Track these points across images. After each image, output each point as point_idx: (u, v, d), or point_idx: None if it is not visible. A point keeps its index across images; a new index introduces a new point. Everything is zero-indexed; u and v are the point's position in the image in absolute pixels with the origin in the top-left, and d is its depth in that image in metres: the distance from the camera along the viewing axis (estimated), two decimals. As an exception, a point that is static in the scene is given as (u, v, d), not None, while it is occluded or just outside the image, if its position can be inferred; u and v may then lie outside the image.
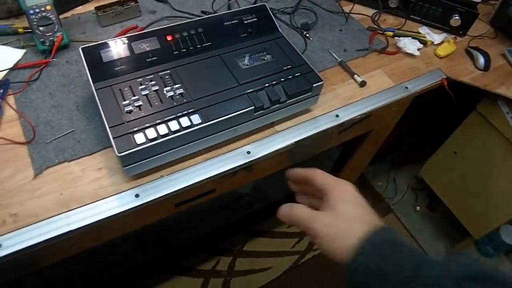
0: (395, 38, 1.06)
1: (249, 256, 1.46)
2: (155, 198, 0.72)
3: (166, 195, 0.73)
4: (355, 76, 0.95)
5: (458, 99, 1.05)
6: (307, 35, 1.02)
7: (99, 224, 0.69)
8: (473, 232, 1.44)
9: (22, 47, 0.91)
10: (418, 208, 1.75)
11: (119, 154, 0.65)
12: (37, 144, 0.75)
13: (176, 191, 0.73)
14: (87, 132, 0.78)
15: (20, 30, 0.93)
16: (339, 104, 0.91)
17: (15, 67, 0.86)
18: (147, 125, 0.69)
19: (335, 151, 1.69)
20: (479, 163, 1.32)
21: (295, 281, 1.43)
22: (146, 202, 0.71)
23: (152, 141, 0.67)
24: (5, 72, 0.84)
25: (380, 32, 1.08)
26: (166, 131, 0.69)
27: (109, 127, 0.68)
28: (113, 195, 0.71)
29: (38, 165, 0.73)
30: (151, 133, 0.68)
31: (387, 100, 0.93)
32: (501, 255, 1.68)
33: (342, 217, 0.45)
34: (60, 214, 0.68)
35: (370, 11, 1.15)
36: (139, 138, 0.67)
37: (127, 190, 0.72)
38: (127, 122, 0.69)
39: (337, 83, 0.95)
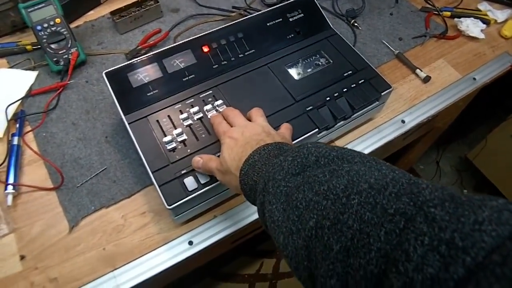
0: (454, 19, 0.92)
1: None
2: (211, 244, 0.62)
3: (222, 238, 0.63)
4: (417, 70, 0.82)
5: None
6: (355, 23, 0.89)
7: (151, 279, 0.60)
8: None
9: (34, 68, 0.79)
10: (465, 191, 1.64)
11: (170, 207, 0.55)
12: (67, 189, 0.65)
13: (232, 232, 0.64)
14: (122, 168, 0.67)
15: (29, 47, 0.80)
16: (403, 107, 0.78)
17: (29, 94, 0.75)
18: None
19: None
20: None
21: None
22: (202, 249, 0.62)
23: (206, 186, 0.57)
24: (18, 103, 0.73)
25: (436, 12, 0.93)
26: (221, 171, 0.58)
27: (152, 172, 0.57)
28: (163, 245, 0.61)
29: (72, 215, 0.63)
30: (202, 176, 0.57)
31: (455, 97, 0.81)
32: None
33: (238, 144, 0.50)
34: (107, 274, 0.59)
35: (420, -13, 1.00)
36: (190, 183, 0.56)
37: (179, 237, 0.62)
38: (172, 163, 0.58)
39: (397, 81, 0.82)
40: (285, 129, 0.57)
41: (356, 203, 0.29)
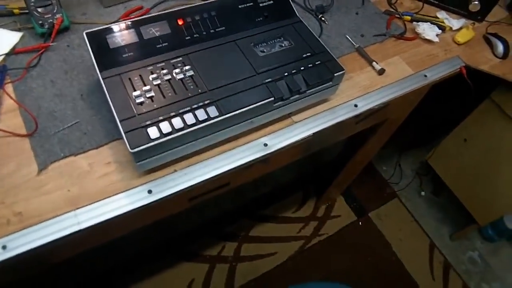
0: (413, 23, 1.01)
1: (255, 241, 1.44)
2: (169, 194, 0.68)
3: (180, 190, 0.69)
4: (374, 63, 0.90)
5: (469, 87, 1.01)
6: (323, 18, 0.97)
7: (110, 221, 0.65)
8: (479, 219, 1.43)
9: (19, 30, 0.84)
10: (423, 193, 1.74)
11: (132, 151, 0.61)
12: (40, 137, 0.70)
13: (190, 186, 0.70)
14: (93, 123, 0.73)
15: (16, 11, 0.86)
16: (357, 93, 0.86)
17: (12, 52, 0.80)
18: (161, 118, 0.64)
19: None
20: (488, 151, 1.30)
21: (300, 266, 1.42)
22: (159, 199, 0.67)
23: (167, 136, 0.63)
24: (1, 58, 0.78)
25: (398, 16, 1.02)
26: (182, 125, 0.64)
27: (120, 121, 0.63)
28: (124, 192, 0.67)
29: (42, 159, 0.68)
30: (165, 127, 0.63)
31: (406, 89, 0.89)
32: (502, 240, 1.69)
33: None
34: (69, 212, 0.64)
35: (386, -8, 1.09)
36: (153, 132, 0.62)
37: (139, 186, 0.68)
38: (138, 115, 0.64)
39: (355, 70, 0.90)
40: None
41: None
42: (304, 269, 1.42)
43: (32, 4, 0.81)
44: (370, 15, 1.02)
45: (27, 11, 0.83)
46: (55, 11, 0.83)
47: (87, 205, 0.65)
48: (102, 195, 0.66)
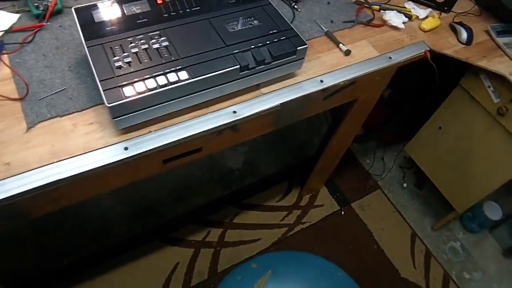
0: (381, 11, 1.09)
1: (239, 228, 1.50)
2: (144, 151, 0.75)
3: (153, 149, 0.76)
4: (340, 45, 0.98)
5: (443, 76, 1.08)
6: (295, 6, 1.05)
7: (88, 174, 0.72)
8: (457, 206, 1.48)
9: (17, 12, 0.93)
10: (405, 185, 1.79)
11: (109, 105, 0.68)
12: (30, 101, 0.78)
13: (163, 145, 0.77)
14: (78, 90, 0.81)
15: (15, -5, 0.95)
16: (323, 71, 0.94)
17: (10, 30, 0.89)
18: (136, 79, 0.72)
19: (324, 128, 1.73)
20: (462, 138, 1.36)
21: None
22: (134, 155, 0.75)
23: (140, 94, 0.70)
24: (0, 34, 0.87)
25: (367, 6, 1.11)
26: (154, 85, 0.72)
27: (100, 81, 0.71)
28: (102, 148, 0.74)
29: (30, 119, 0.75)
30: (139, 86, 0.71)
31: (370, 69, 0.97)
32: (484, 231, 1.73)
33: None
34: (51, 163, 0.71)
35: (358, -14, 1.18)
36: (128, 91, 0.70)
37: (117, 143, 0.75)
38: (117, 76, 0.72)
39: (323, 51, 0.98)
40: None
41: None
42: (287, 254, 1.47)
43: (29, -13, 0.91)
44: (341, 5, 1.10)
45: (24, -7, 0.93)
46: (49, -6, 0.92)
47: (68, 158, 0.72)
48: (82, 150, 0.73)
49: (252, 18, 0.87)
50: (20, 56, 0.85)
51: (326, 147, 1.32)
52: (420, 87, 1.49)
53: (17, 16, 0.92)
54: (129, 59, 0.74)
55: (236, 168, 1.69)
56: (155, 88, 0.71)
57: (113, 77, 0.72)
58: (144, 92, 0.71)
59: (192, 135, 0.79)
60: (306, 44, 0.84)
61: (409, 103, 1.63)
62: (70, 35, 0.91)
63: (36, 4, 0.91)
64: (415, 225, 1.67)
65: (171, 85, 0.72)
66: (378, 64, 0.98)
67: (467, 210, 1.50)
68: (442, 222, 1.63)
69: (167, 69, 0.74)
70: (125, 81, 0.71)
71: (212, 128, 0.80)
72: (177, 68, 0.75)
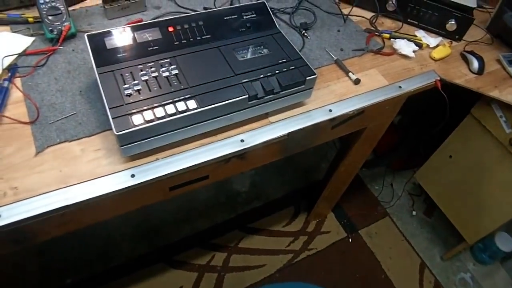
0: (391, 39, 1.10)
1: (244, 253, 1.48)
2: (150, 179, 0.75)
3: (160, 176, 0.76)
4: (350, 74, 0.98)
5: (454, 104, 1.07)
6: (305, 34, 1.06)
7: (95, 201, 0.72)
8: (467, 237, 1.45)
9: (31, 35, 0.95)
10: (414, 213, 1.76)
11: (117, 133, 0.68)
12: (40, 124, 0.79)
13: (170, 173, 0.76)
14: (88, 115, 0.82)
15: (30, 19, 0.97)
16: (333, 99, 0.93)
17: (24, 53, 0.91)
18: (145, 107, 0.72)
19: (332, 153, 1.72)
20: (473, 167, 1.34)
21: (288, 280, 1.44)
22: (141, 182, 0.74)
23: (149, 123, 0.71)
24: (14, 57, 0.88)
25: (377, 34, 1.11)
26: (163, 113, 0.72)
27: (109, 108, 0.71)
28: (110, 174, 0.74)
29: (40, 143, 0.76)
30: (148, 115, 0.71)
31: (379, 98, 0.96)
32: (496, 263, 1.68)
33: None
34: (59, 189, 0.71)
35: (368, 14, 1.18)
36: (137, 119, 0.70)
37: (124, 170, 0.75)
38: (126, 104, 0.72)
39: (332, 80, 0.98)
40: None
41: None
42: (292, 281, 1.44)
43: (45, 12, 0.92)
44: (351, 33, 1.11)
45: (40, 20, 0.94)
46: (64, 19, 0.94)
47: (76, 184, 0.72)
48: (90, 176, 0.73)
49: (262, 47, 0.88)
50: (33, 79, 0.87)
51: (334, 173, 1.31)
52: (430, 113, 1.48)
53: (31, 39, 0.94)
54: (139, 87, 0.75)
55: (243, 191, 1.69)
56: (163, 117, 0.72)
57: (123, 105, 0.72)
58: (152, 121, 0.71)
59: (200, 163, 0.79)
60: (315, 74, 0.84)
61: (419, 129, 1.62)
62: (82, 60, 0.92)
63: (50, 28, 0.93)
64: (424, 254, 1.64)
65: (179, 114, 0.73)
66: (388, 94, 0.98)
67: (478, 240, 1.46)
68: (452, 252, 1.59)
69: (176, 97, 0.75)
70: (134, 109, 0.72)
71: (220, 157, 0.80)
72: (186, 97, 0.75)
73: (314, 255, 1.52)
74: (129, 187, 0.74)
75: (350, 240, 1.61)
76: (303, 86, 0.84)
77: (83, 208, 0.73)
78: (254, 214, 1.62)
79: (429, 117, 1.49)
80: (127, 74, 0.77)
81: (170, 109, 0.73)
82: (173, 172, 0.77)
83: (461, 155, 1.36)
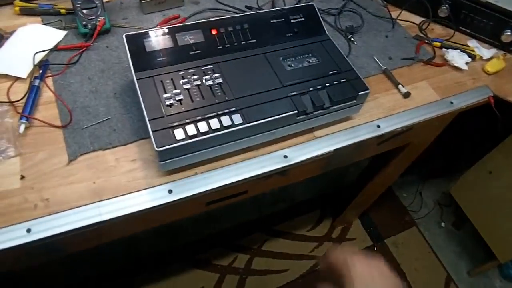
0: (443, 49, 1.02)
1: (267, 256, 1.44)
2: (188, 196, 0.70)
3: (199, 193, 0.71)
4: (400, 86, 0.91)
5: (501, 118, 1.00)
6: (352, 38, 0.99)
7: (129, 216, 0.68)
8: (499, 255, 1.39)
9: (63, 29, 0.90)
10: (443, 224, 1.70)
11: (158, 149, 0.63)
12: (73, 129, 0.74)
13: (209, 190, 0.72)
14: (123, 121, 0.76)
15: (63, 11, 0.92)
16: (381, 114, 0.87)
17: (56, 48, 0.85)
18: (187, 120, 0.67)
19: (364, 160, 1.65)
20: (514, 186, 1.27)
21: (310, 287, 1.40)
22: (178, 199, 0.70)
23: (192, 138, 0.65)
24: (45, 53, 0.83)
25: (427, 42, 1.03)
26: (206, 129, 0.66)
27: (149, 120, 0.66)
28: (146, 189, 0.70)
29: (72, 150, 0.71)
30: (191, 129, 0.66)
31: (430, 114, 0.89)
32: (524, 281, 1.63)
33: None
34: (92, 203, 0.67)
35: (417, 19, 1.10)
36: (179, 134, 0.65)
37: (161, 185, 0.70)
38: (167, 116, 0.67)
39: (380, 92, 0.91)
40: None
41: None
42: (315, 288, 1.41)
43: (78, 5, 0.87)
44: (399, 39, 1.03)
45: (72, 11, 0.89)
46: (98, 13, 0.88)
47: (110, 198, 0.68)
48: (125, 190, 0.69)
49: (311, 55, 0.81)
50: (65, 78, 0.82)
51: (368, 184, 1.25)
52: (469, 121, 1.40)
53: (63, 33, 0.89)
54: (180, 97, 0.69)
55: (268, 192, 1.64)
56: (207, 133, 0.66)
57: (163, 116, 0.67)
58: (195, 136, 0.66)
59: (240, 180, 0.74)
60: (368, 89, 0.78)
61: (456, 141, 1.55)
62: (117, 58, 0.87)
63: (84, 23, 0.88)
64: (451, 268, 1.58)
65: (224, 129, 0.67)
66: (439, 110, 0.91)
67: (509, 258, 1.41)
68: (481, 269, 1.54)
69: (221, 110, 0.69)
70: (175, 122, 0.66)
71: (262, 174, 0.75)
72: (231, 110, 0.69)
73: (338, 263, 1.47)
74: (166, 203, 0.69)
75: (375, 248, 1.56)
76: (354, 101, 0.78)
77: (117, 223, 0.68)
78: (278, 216, 1.57)
79: (467, 126, 1.41)
80: (167, 81, 0.72)
81: (214, 123, 0.67)
82: (212, 189, 0.72)
83: (503, 172, 1.28)
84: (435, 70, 0.99)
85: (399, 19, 1.08)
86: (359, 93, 0.77)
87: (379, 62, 0.95)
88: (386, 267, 0.48)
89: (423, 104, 0.91)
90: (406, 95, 0.90)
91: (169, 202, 0.69)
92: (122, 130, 0.75)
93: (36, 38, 0.86)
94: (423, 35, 1.05)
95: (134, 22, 0.95)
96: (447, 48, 1.02)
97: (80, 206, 0.66)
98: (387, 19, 1.07)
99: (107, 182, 0.69)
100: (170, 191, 0.70)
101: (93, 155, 0.72)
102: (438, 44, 1.03)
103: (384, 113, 0.87)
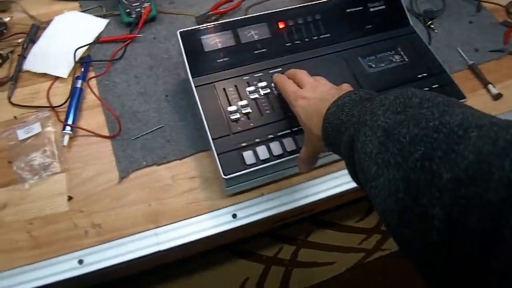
0: (538, 38, 0.87)
1: (313, 247, 1.37)
2: (255, 221, 0.62)
3: (266, 217, 0.62)
4: (489, 86, 0.78)
5: None
6: (431, 26, 0.85)
7: (190, 243, 0.60)
8: None
9: (104, 16, 0.79)
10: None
11: (225, 177, 0.54)
12: (123, 140, 0.65)
13: (277, 214, 0.63)
14: (178, 130, 0.67)
15: (103, -6, 0.81)
16: (468, 120, 0.75)
17: (97, 41, 0.75)
18: (257, 140, 0.57)
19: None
20: None
21: (359, 281, 1.34)
22: (244, 224, 0.61)
23: (264, 163, 0.56)
24: (86, 48, 0.73)
25: (518, 28, 0.88)
26: (280, 151, 0.57)
27: (213, 139, 0.57)
28: (208, 213, 0.61)
29: (123, 166, 0.63)
30: (262, 152, 0.56)
31: (524, 119, 0.77)
32: None
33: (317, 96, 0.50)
34: (149, 230, 0.59)
35: (503, 0, 0.94)
36: (249, 157, 0.56)
37: (224, 208, 0.62)
38: (233, 134, 0.58)
39: (466, 93, 0.76)
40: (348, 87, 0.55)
41: (474, 135, 0.28)
42: (362, 283, 1.34)
43: (121, -10, 0.76)
44: (485, 25, 0.88)
45: (114, -5, 0.78)
46: (143, -1, 0.77)
47: (168, 224, 0.60)
48: (184, 215, 0.61)
49: (394, 52, 0.69)
50: (109, 77, 0.72)
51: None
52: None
53: (105, 21, 0.78)
54: (248, 110, 0.59)
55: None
56: (281, 156, 0.56)
57: (229, 135, 0.57)
58: (268, 161, 0.56)
59: (311, 202, 0.65)
60: (465, 98, 0.66)
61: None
62: (166, 51, 0.76)
63: (128, 10, 0.77)
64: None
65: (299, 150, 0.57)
66: (534, 113, 0.78)
67: None
68: None
69: (294, 127, 0.59)
70: (244, 142, 0.57)
71: (335, 194, 0.66)
72: (307, 126, 0.59)
73: (387, 256, 1.40)
74: (229, 229, 0.61)
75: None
76: (447, 111, 0.66)
77: (174, 250, 0.61)
78: (325, 206, 1.48)
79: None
80: (231, 89, 0.61)
81: (289, 144, 0.57)
82: (280, 212, 0.63)
83: None
84: (528, 64, 0.85)
85: (483, 0, 0.92)
86: (454, 103, 0.65)
87: (464, 56, 0.82)
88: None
89: (514, 107, 0.78)
90: (497, 96, 0.77)
91: (233, 228, 0.61)
92: (177, 141, 0.66)
93: (75, 29, 0.76)
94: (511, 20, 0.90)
95: (182, 6, 0.83)
96: (543, 37, 0.87)
97: (135, 233, 0.59)
98: (470, 0, 0.92)
99: (164, 205, 0.61)
100: (234, 216, 0.61)
101: (146, 171, 0.64)
102: (531, 31, 0.88)
103: (472, 119, 0.75)
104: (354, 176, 0.41)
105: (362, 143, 0.37)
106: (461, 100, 0.65)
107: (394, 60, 0.68)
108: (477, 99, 0.78)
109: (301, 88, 0.53)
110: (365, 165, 0.35)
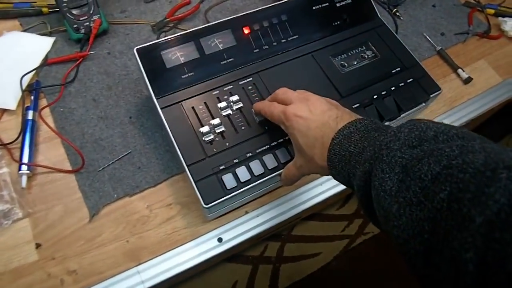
0: (499, 18, 0.87)
1: (298, 240, 1.36)
2: (242, 241, 0.59)
3: (253, 236, 0.59)
4: (459, 70, 0.78)
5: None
6: (397, 13, 0.83)
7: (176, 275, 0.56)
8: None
9: (50, 34, 0.72)
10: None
11: (206, 206, 0.50)
12: (87, 173, 0.60)
13: (264, 231, 0.60)
14: (147, 154, 0.62)
15: (45, 9, 0.73)
16: (442, 108, 0.75)
17: (45, 63, 0.68)
18: (236, 161, 0.53)
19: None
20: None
21: (346, 267, 1.34)
22: (231, 247, 0.58)
23: (246, 185, 0.52)
24: (32, 73, 0.66)
25: (480, 9, 0.88)
26: (262, 170, 0.53)
27: (187, 165, 0.52)
28: (191, 241, 0.58)
29: (92, 202, 0.58)
30: (243, 173, 0.53)
31: (495, 101, 0.77)
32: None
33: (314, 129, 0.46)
34: (131, 269, 0.55)
35: (464, -21, 0.94)
36: (229, 181, 0.52)
37: (207, 233, 0.58)
38: (209, 157, 0.53)
39: (437, 79, 0.75)
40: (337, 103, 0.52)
41: (504, 177, 0.27)
42: (350, 269, 1.35)
43: (65, 5, 0.68)
44: (448, 8, 0.87)
45: (57, 9, 0.70)
46: (91, 12, 0.70)
47: (150, 259, 0.56)
48: (166, 247, 0.57)
49: (364, 48, 0.67)
50: (64, 103, 0.66)
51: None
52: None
53: (51, 40, 0.71)
54: (221, 128, 0.55)
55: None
56: (263, 175, 0.53)
57: (205, 159, 0.53)
58: (249, 182, 0.52)
59: (298, 213, 0.62)
60: (439, 89, 0.64)
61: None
62: (123, 67, 0.70)
63: (75, 26, 0.70)
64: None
65: (283, 166, 0.54)
66: (503, 94, 0.78)
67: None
68: None
69: (274, 141, 0.55)
70: (222, 165, 0.53)
71: (322, 201, 0.63)
72: (286, 138, 0.55)
73: (370, 239, 1.41)
74: (216, 255, 0.58)
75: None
76: (424, 104, 0.65)
77: (160, 285, 0.57)
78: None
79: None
80: (200, 107, 0.57)
81: (270, 161, 0.54)
82: (267, 229, 0.60)
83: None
84: (492, 44, 0.85)
85: (443, -19, 0.91)
86: (431, 96, 0.63)
87: (431, 41, 0.81)
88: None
89: (486, 90, 0.78)
90: (467, 80, 0.77)
91: (220, 253, 0.58)
92: (148, 166, 0.61)
93: (18, 52, 0.68)
94: (473, 1, 0.89)
95: (136, 14, 0.76)
96: (503, 16, 0.86)
97: (116, 274, 0.54)
98: (431, -18, 0.90)
99: (143, 239, 0.57)
100: (220, 240, 0.58)
101: (119, 204, 0.59)
102: (492, 11, 0.88)
103: (446, 106, 0.75)
104: (367, 211, 0.40)
105: (380, 180, 0.35)
106: (436, 93, 0.63)
107: (366, 56, 0.66)
108: (448, 85, 0.77)
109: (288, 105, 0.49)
110: (385, 203, 0.34)
